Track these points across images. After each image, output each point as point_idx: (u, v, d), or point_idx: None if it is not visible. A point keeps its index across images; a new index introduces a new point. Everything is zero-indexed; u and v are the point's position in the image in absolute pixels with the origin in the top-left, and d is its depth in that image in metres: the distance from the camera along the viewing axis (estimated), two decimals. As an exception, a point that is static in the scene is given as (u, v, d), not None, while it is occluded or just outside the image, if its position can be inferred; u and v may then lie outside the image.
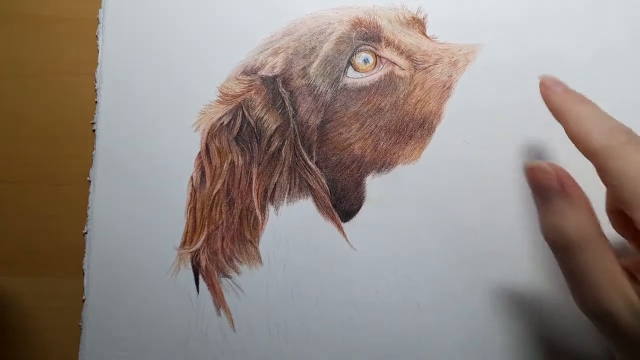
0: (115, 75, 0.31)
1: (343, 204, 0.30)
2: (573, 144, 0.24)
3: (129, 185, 0.31)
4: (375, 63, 0.31)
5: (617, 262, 0.22)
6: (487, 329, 0.29)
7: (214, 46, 0.31)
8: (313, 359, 0.29)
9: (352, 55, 0.31)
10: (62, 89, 0.32)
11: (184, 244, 0.30)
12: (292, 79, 0.31)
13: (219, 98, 0.31)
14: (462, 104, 0.30)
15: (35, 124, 0.32)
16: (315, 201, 0.30)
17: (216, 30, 0.32)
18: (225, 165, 0.31)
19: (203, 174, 0.31)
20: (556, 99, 0.25)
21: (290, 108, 0.31)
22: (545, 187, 0.23)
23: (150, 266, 0.30)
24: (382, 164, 0.30)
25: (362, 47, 0.31)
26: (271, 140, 0.31)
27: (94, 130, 0.31)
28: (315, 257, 0.30)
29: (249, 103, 0.31)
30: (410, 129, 0.30)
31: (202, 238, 0.30)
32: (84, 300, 0.30)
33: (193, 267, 0.30)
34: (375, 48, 0.31)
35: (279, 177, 0.30)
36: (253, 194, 0.30)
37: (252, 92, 0.31)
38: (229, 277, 0.30)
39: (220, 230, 0.30)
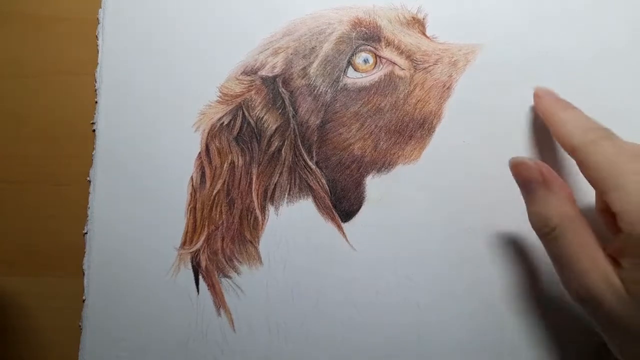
0: (115, 75, 0.31)
1: (343, 204, 0.30)
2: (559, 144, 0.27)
3: (129, 185, 0.31)
4: (375, 63, 0.31)
5: (599, 247, 0.24)
6: (487, 329, 0.29)
7: (214, 46, 0.31)
8: (313, 359, 0.29)
9: (352, 55, 0.31)
10: (62, 89, 0.32)
11: (184, 244, 0.30)
12: (292, 79, 0.31)
13: (219, 98, 0.31)
14: (462, 104, 0.30)
15: (35, 124, 0.32)
16: (315, 201, 0.30)
17: (216, 30, 0.32)
18: (225, 165, 0.31)
19: (203, 174, 0.31)
20: (545, 106, 0.28)
21: (290, 108, 0.31)
22: (529, 180, 0.26)
23: (150, 266, 0.30)
24: (382, 164, 0.30)
25: (362, 47, 0.31)
26: (271, 140, 0.31)
27: (94, 130, 0.31)
28: (315, 257, 0.30)
29: (249, 103, 0.31)
30: (410, 129, 0.30)
31: (202, 238, 0.30)
32: (84, 300, 0.30)
33: (193, 267, 0.30)
34: (375, 48, 0.31)
35: (279, 177, 0.30)
36: (253, 194, 0.30)
37: (252, 92, 0.31)
38: (229, 277, 0.30)
39: (220, 230, 0.30)
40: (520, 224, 0.29)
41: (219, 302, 0.30)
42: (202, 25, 0.32)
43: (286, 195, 0.30)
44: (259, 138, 0.31)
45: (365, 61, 0.31)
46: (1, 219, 0.31)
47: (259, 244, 0.30)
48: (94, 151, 0.31)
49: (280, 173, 0.30)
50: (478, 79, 0.30)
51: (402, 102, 0.30)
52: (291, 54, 0.31)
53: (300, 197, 0.30)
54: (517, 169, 0.27)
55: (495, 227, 0.30)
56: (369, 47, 0.31)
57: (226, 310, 0.30)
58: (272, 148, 0.31)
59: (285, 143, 0.31)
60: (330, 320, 0.30)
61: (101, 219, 0.30)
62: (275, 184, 0.30)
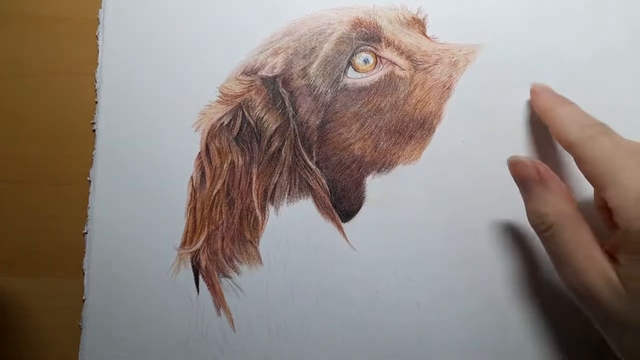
0: (115, 75, 0.31)
1: (343, 204, 0.30)
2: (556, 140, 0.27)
3: (129, 185, 0.31)
4: (376, 63, 0.31)
5: (596, 243, 0.24)
6: (488, 328, 0.29)
7: (214, 46, 0.31)
8: (313, 359, 0.29)
9: (352, 55, 0.31)
10: (62, 89, 0.32)
11: (184, 244, 0.30)
12: (292, 79, 0.31)
13: (219, 98, 0.31)
14: (462, 104, 0.30)
15: (35, 124, 0.32)
16: (315, 201, 0.30)
17: (216, 30, 0.32)
18: (225, 165, 0.31)
19: (203, 174, 0.31)
20: (541, 102, 0.28)
21: (290, 108, 0.31)
22: (526, 178, 0.26)
23: (150, 266, 0.30)
24: (382, 164, 0.30)
25: (362, 48, 0.31)
26: (271, 140, 0.31)
27: (94, 130, 0.31)
28: (315, 257, 0.30)
29: (249, 103, 0.31)
30: (410, 129, 0.30)
31: (202, 238, 0.30)
32: (84, 300, 0.30)
33: (193, 267, 0.30)
34: (376, 48, 0.31)
35: (279, 177, 0.30)
36: (253, 194, 0.30)
37: (252, 92, 0.31)
38: (229, 277, 0.30)
39: (220, 230, 0.30)
40: (520, 223, 0.29)
41: (219, 302, 0.30)
42: (202, 25, 0.32)
43: (286, 195, 0.30)
44: (259, 138, 0.31)
45: (366, 61, 0.31)
46: (1, 219, 0.31)
47: (259, 244, 0.30)
48: (94, 151, 0.31)
49: (280, 173, 0.30)
50: (478, 79, 0.30)
51: (402, 102, 0.30)
52: (291, 54, 0.31)
53: (300, 197, 0.30)
54: (515, 167, 0.27)
55: (495, 227, 0.30)
56: (369, 47, 0.31)
57: (226, 310, 0.30)
58: (272, 148, 0.31)
59: (285, 143, 0.31)
60: (330, 320, 0.30)
61: (101, 219, 0.30)
62: (275, 184, 0.30)
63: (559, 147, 0.29)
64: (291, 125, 0.30)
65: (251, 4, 0.32)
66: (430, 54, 0.31)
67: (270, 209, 0.30)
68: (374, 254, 0.30)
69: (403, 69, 0.31)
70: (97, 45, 0.32)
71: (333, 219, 0.30)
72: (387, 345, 0.30)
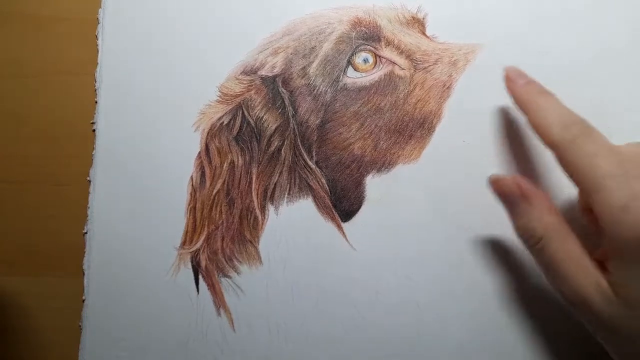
0: (115, 75, 0.31)
1: (343, 203, 0.30)
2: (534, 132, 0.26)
3: (129, 185, 0.31)
4: (375, 63, 0.31)
5: (584, 251, 0.25)
6: (487, 329, 0.29)
7: (214, 46, 0.31)
8: (313, 359, 0.29)
9: (352, 55, 0.31)
10: (62, 89, 0.32)
11: (184, 244, 0.30)
12: (292, 78, 0.31)
13: (218, 98, 0.31)
14: (462, 104, 0.30)
15: (35, 124, 0.32)
16: (315, 201, 0.30)
17: (216, 30, 0.32)
18: (225, 165, 0.31)
19: (203, 174, 0.31)
20: (518, 91, 0.27)
21: (290, 108, 0.31)
22: (508, 194, 0.26)
23: (150, 266, 0.30)
24: (382, 163, 0.30)
25: (362, 47, 0.31)
26: (271, 140, 0.31)
27: (94, 130, 0.31)
28: (315, 257, 0.30)
29: (249, 103, 0.31)
30: (410, 128, 0.30)
31: (202, 238, 0.30)
32: (84, 300, 0.30)
33: (193, 267, 0.30)
34: (375, 48, 0.31)
35: (278, 177, 0.30)
36: (253, 193, 0.30)
37: (252, 92, 0.31)
38: (229, 277, 0.30)
39: (220, 230, 0.30)
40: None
41: (219, 302, 0.30)
42: (202, 25, 0.32)
43: (286, 195, 0.30)
44: (258, 138, 0.31)
45: (365, 61, 0.31)
46: (1, 219, 0.31)
47: (258, 244, 0.30)
48: (94, 151, 0.31)
49: (280, 173, 0.30)
50: (478, 78, 0.30)
51: (402, 101, 0.30)
52: (291, 54, 0.31)
53: (300, 196, 0.30)
54: (496, 185, 0.27)
55: (495, 227, 0.30)
56: (368, 46, 0.31)
57: (226, 310, 0.30)
58: (272, 148, 0.31)
59: (285, 143, 0.31)
60: (330, 320, 0.30)
61: (101, 219, 0.30)
62: (275, 184, 0.30)
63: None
64: (291, 124, 0.30)
65: (251, 4, 0.32)
66: (430, 53, 0.31)
67: (270, 208, 0.30)
68: (374, 253, 0.30)
69: (403, 69, 0.31)
70: (97, 45, 0.32)
71: (333, 219, 0.30)
72: (387, 345, 0.29)
